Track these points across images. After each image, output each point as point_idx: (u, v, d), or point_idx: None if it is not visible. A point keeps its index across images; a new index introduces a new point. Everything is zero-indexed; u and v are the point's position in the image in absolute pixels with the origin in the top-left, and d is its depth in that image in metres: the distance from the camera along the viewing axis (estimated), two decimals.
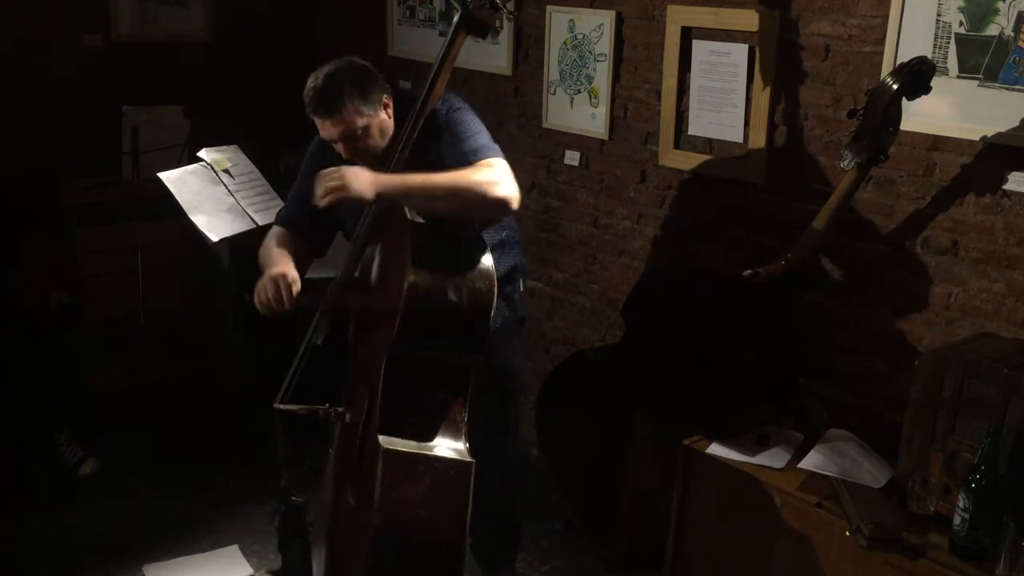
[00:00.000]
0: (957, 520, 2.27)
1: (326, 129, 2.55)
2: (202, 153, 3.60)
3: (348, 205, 2.45)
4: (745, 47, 3.06)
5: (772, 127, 3.04)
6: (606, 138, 3.58)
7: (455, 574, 2.34)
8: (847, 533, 2.40)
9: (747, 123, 3.10)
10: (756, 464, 2.68)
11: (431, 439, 2.32)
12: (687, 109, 3.29)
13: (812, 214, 2.80)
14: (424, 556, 2.28)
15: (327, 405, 2.57)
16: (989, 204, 2.60)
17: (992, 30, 2.51)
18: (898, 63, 2.60)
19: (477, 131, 2.61)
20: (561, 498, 3.49)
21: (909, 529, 2.32)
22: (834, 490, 2.54)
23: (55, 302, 4.03)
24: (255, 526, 3.52)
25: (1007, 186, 2.55)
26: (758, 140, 3.07)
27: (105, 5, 4.39)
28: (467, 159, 2.51)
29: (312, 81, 2.53)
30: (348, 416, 2.54)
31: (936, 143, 2.67)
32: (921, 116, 2.65)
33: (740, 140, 3.14)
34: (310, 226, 2.82)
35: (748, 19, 3.03)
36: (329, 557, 2.59)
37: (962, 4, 2.55)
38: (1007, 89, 2.50)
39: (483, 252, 2.40)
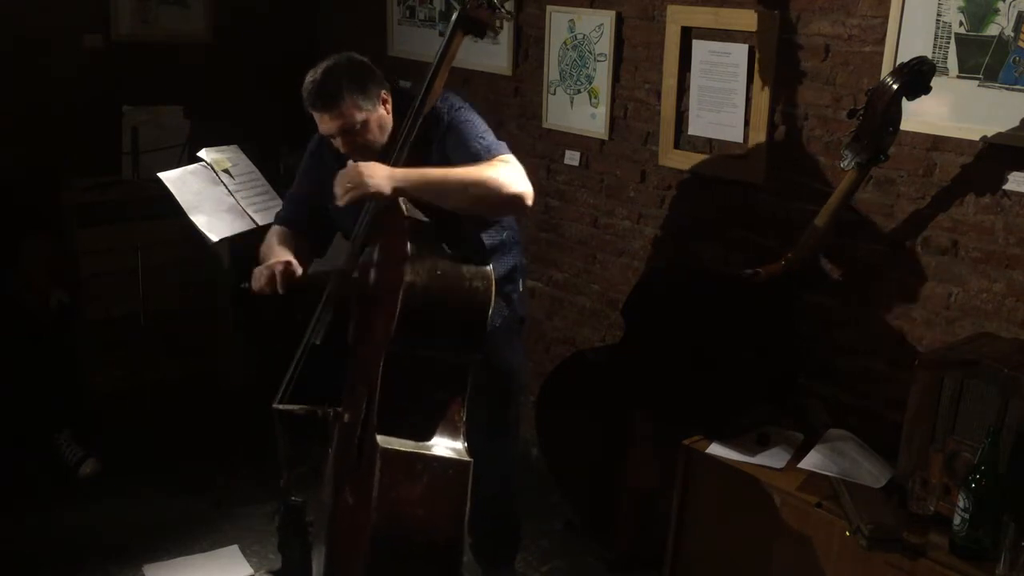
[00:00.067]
0: (957, 520, 2.27)
1: (324, 123, 2.55)
2: (202, 153, 3.60)
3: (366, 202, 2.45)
4: (745, 47, 3.06)
5: (772, 127, 3.04)
6: (606, 138, 3.58)
7: (453, 573, 2.33)
8: (847, 533, 2.40)
9: (747, 123, 3.10)
10: (756, 464, 2.68)
11: (429, 439, 2.32)
12: (687, 109, 3.29)
13: (812, 214, 2.80)
14: (422, 555, 2.28)
15: (326, 405, 2.57)
16: (989, 204, 2.60)
17: (992, 30, 2.51)
18: (898, 63, 2.60)
19: (485, 129, 2.62)
20: (561, 498, 3.49)
21: (909, 529, 2.32)
22: (834, 490, 2.54)
23: (55, 302, 4.03)
24: (255, 526, 3.52)
25: (1007, 186, 2.55)
26: (758, 140, 3.07)
27: (105, 5, 4.39)
28: (479, 157, 2.51)
29: (311, 76, 2.54)
30: (347, 416, 2.54)
31: (936, 143, 2.67)
32: (921, 116, 2.65)
33: (740, 140, 3.14)
34: (309, 226, 2.83)
35: (748, 19, 3.03)
36: (328, 557, 2.59)
37: (962, 4, 2.55)
38: (1007, 89, 2.50)
39: (481, 252, 2.40)
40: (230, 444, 3.84)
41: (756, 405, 2.93)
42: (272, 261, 2.60)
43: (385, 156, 2.53)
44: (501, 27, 3.73)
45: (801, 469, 2.65)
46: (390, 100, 2.62)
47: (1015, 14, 2.47)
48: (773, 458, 2.70)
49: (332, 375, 2.62)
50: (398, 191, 2.39)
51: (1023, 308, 2.56)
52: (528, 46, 3.82)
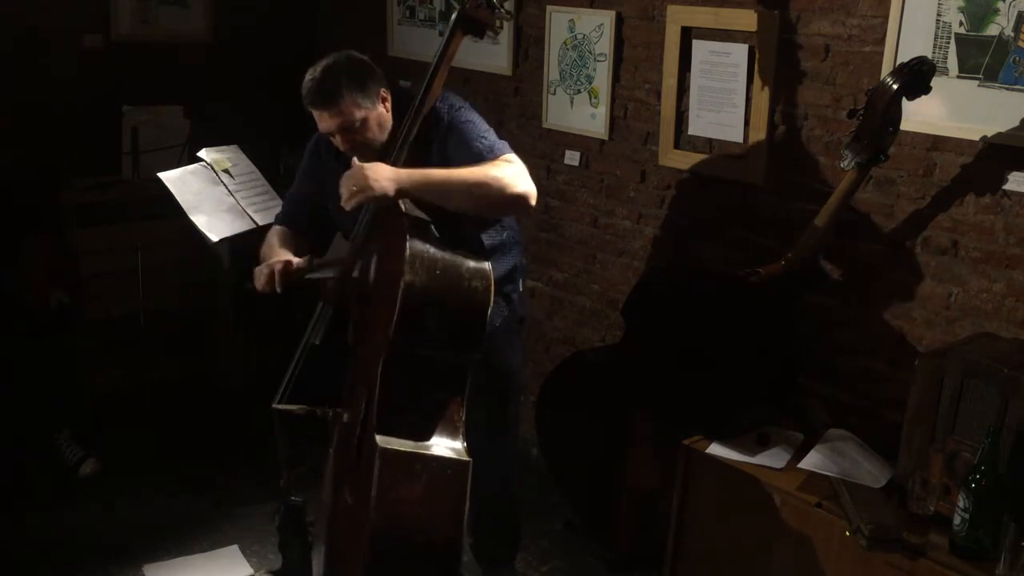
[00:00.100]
0: (957, 520, 2.26)
1: (324, 121, 2.55)
2: (202, 153, 3.60)
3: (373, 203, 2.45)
4: (745, 47, 3.06)
5: (772, 127, 3.04)
6: (606, 138, 3.58)
7: (452, 573, 2.34)
8: (847, 533, 2.39)
9: (747, 123, 3.10)
10: (756, 464, 2.68)
11: (428, 438, 2.32)
12: (687, 109, 3.29)
13: (812, 214, 2.80)
14: (421, 555, 2.28)
15: (326, 405, 2.57)
16: (989, 204, 2.60)
17: (992, 30, 2.51)
18: (898, 63, 2.59)
19: (486, 129, 2.62)
20: (561, 498, 3.49)
21: (909, 529, 2.32)
22: (834, 490, 2.54)
23: (55, 302, 4.03)
24: (255, 526, 3.52)
25: (1007, 186, 2.55)
26: (758, 140, 3.07)
27: (105, 5, 4.39)
28: (482, 157, 2.51)
29: (310, 74, 2.54)
30: (346, 416, 2.54)
31: (936, 143, 2.67)
32: (921, 116, 2.65)
33: (740, 140, 3.14)
34: (308, 225, 2.83)
35: (748, 19, 3.03)
36: (328, 556, 2.59)
37: (962, 4, 2.55)
38: (1007, 89, 2.50)
39: (480, 251, 2.40)
40: (230, 444, 3.84)
41: (756, 405, 2.93)
42: (272, 260, 2.61)
43: (385, 154, 2.53)
44: (501, 27, 3.70)
45: (801, 469, 2.65)
46: (389, 98, 2.62)
47: (1015, 14, 2.47)
48: (773, 458, 2.70)
49: (332, 375, 2.62)
50: (402, 192, 2.39)
51: (1023, 308, 2.56)
52: (528, 46, 3.82)
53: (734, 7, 3.07)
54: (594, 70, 3.56)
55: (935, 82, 2.54)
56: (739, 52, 3.08)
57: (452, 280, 2.32)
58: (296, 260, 2.60)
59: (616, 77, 3.50)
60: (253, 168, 3.70)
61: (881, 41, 2.73)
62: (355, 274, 2.61)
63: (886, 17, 2.71)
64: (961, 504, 2.25)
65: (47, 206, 4.03)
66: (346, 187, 2.39)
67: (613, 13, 3.45)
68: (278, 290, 2.56)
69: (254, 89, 4.62)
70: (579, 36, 3.59)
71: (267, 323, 3.60)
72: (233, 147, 3.71)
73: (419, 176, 2.41)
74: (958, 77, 2.59)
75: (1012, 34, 2.48)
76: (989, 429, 2.24)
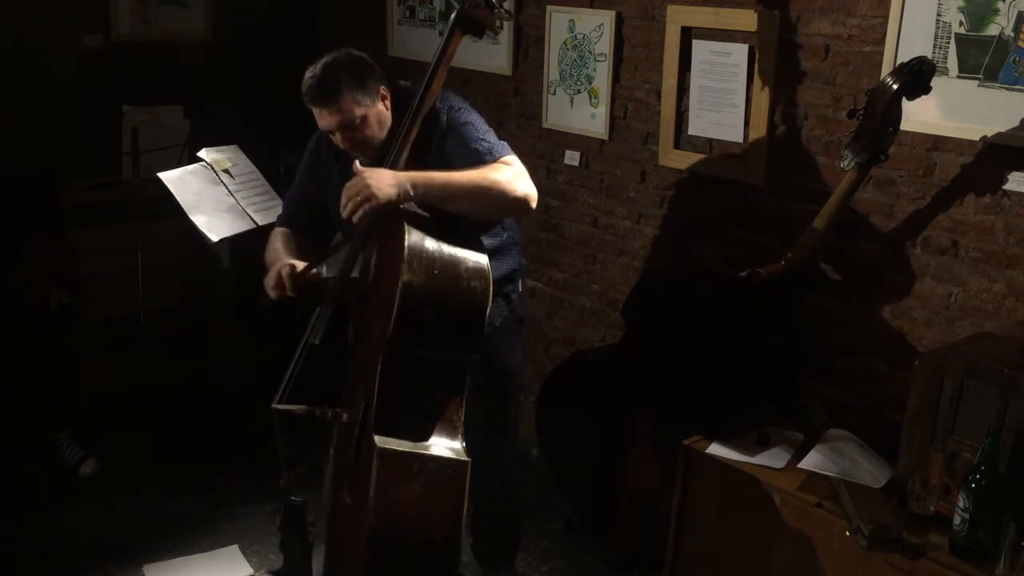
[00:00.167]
0: (957, 520, 2.26)
1: (324, 119, 2.55)
2: (202, 153, 3.60)
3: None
4: (745, 47, 3.06)
5: (772, 127, 3.04)
6: (606, 138, 3.58)
7: (451, 573, 2.33)
8: (847, 533, 2.39)
9: (747, 123, 3.10)
10: (756, 464, 2.68)
11: (427, 438, 2.32)
12: (687, 109, 3.29)
13: (812, 214, 2.80)
14: (420, 555, 2.28)
15: (325, 405, 2.57)
16: (989, 204, 2.60)
17: (992, 30, 2.51)
18: (898, 63, 2.59)
19: (486, 130, 2.62)
20: (561, 498, 3.49)
21: (909, 529, 2.31)
22: (834, 490, 2.54)
23: (55, 302, 4.03)
24: (255, 526, 3.52)
25: (1007, 186, 2.55)
26: (758, 140, 3.07)
27: (105, 5, 4.39)
28: (482, 159, 2.51)
29: (310, 72, 2.54)
30: (346, 416, 2.53)
31: (936, 143, 2.67)
32: (921, 116, 2.65)
33: (740, 140, 3.14)
34: (309, 225, 2.83)
35: (748, 19, 3.03)
36: (328, 556, 2.59)
37: (962, 4, 2.55)
38: (1007, 89, 2.50)
39: (479, 251, 2.39)
40: (230, 444, 3.85)
41: (756, 405, 2.93)
42: (277, 265, 2.61)
43: (384, 153, 2.53)
44: (501, 27, 3.70)
45: (801, 469, 2.64)
46: (389, 96, 2.62)
47: (1015, 14, 2.47)
48: (773, 458, 2.70)
49: (331, 375, 2.62)
50: (405, 197, 2.38)
51: (1023, 308, 2.56)
52: (528, 46, 3.82)
53: (734, 7, 3.07)
54: (594, 70, 3.56)
55: (935, 82, 2.54)
56: (739, 52, 3.08)
57: (450, 279, 2.32)
58: (300, 264, 2.60)
59: (616, 77, 3.50)
60: (253, 168, 3.70)
61: (881, 41, 2.73)
62: (355, 274, 2.61)
63: (886, 17, 2.71)
64: (961, 504, 2.25)
65: (47, 206, 4.03)
66: (348, 196, 2.37)
67: (613, 13, 3.45)
68: (290, 294, 2.55)
69: (254, 89, 4.62)
70: (579, 36, 3.59)
71: (267, 323, 3.59)
72: (233, 147, 3.71)
73: (420, 180, 2.40)
74: (958, 77, 2.59)
75: (1012, 34, 2.47)
76: (989, 429, 2.24)
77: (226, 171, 3.57)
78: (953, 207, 2.67)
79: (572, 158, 3.72)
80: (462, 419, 2.38)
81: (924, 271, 2.75)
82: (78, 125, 4.23)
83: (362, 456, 2.32)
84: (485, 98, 3.95)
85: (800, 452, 2.73)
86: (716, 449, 2.75)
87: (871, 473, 2.57)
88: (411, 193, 2.38)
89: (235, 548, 3.41)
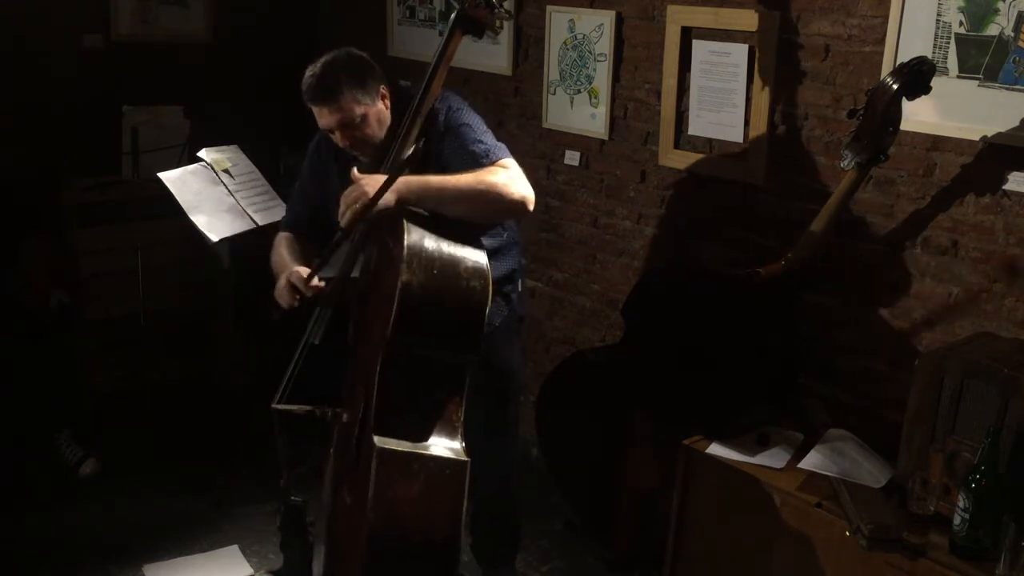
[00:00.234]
0: (957, 520, 2.26)
1: (324, 118, 2.56)
2: (202, 153, 3.60)
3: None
4: (745, 47, 3.06)
5: (772, 127, 3.04)
6: (606, 138, 3.58)
7: (451, 572, 2.33)
8: (847, 533, 2.39)
9: (747, 123, 3.10)
10: (756, 464, 2.68)
11: (426, 438, 2.32)
12: (687, 109, 3.29)
13: (812, 214, 2.80)
14: (419, 555, 2.27)
15: (325, 405, 2.57)
16: (989, 204, 2.60)
17: (992, 30, 2.51)
18: (898, 63, 2.59)
19: (484, 132, 2.61)
20: (561, 498, 3.49)
21: (909, 529, 2.32)
22: (834, 490, 2.54)
23: (55, 302, 4.03)
24: (255, 526, 3.52)
25: (1007, 186, 2.54)
26: (758, 140, 3.07)
27: (105, 5, 4.39)
28: (478, 161, 2.51)
29: (310, 71, 2.54)
30: (346, 416, 2.54)
31: (936, 143, 2.67)
32: (921, 116, 2.65)
33: (740, 140, 3.14)
34: (310, 226, 2.83)
35: (748, 19, 3.03)
36: (328, 556, 2.59)
37: (962, 4, 2.55)
38: (1007, 89, 2.50)
39: (479, 251, 2.39)
40: (230, 444, 3.85)
41: (756, 405, 2.93)
42: (284, 275, 2.60)
43: (383, 152, 2.53)
44: (501, 27, 3.70)
45: (801, 469, 2.64)
46: (388, 96, 2.62)
47: (1015, 14, 2.46)
48: (773, 458, 2.70)
49: (331, 375, 2.62)
50: (402, 201, 2.39)
51: (1023, 308, 2.56)
52: (528, 46, 3.82)
53: (734, 7, 3.07)
54: (594, 70, 3.56)
55: (935, 82, 2.54)
56: (739, 52, 3.08)
57: (450, 279, 2.32)
58: (305, 269, 2.59)
59: (616, 77, 3.50)
60: (253, 168, 3.70)
61: (881, 41, 2.73)
62: (355, 274, 2.61)
63: (886, 17, 2.71)
64: (961, 504, 2.25)
65: (47, 206, 4.03)
66: (347, 205, 2.38)
67: (613, 13, 3.45)
68: (307, 296, 2.55)
69: (254, 89, 4.63)
70: (579, 36, 3.59)
71: (267, 323, 3.59)
72: (233, 147, 3.71)
73: (417, 184, 2.41)
74: (958, 77, 2.59)
75: (1012, 34, 2.47)
76: (989, 429, 2.24)
77: (226, 171, 3.57)
78: (953, 207, 2.67)
79: (572, 158, 3.72)
80: (462, 419, 2.38)
81: (924, 271, 2.75)
82: (78, 125, 4.23)
83: (362, 456, 2.32)
84: (485, 98, 3.95)
85: (800, 452, 2.73)
86: (716, 449, 2.75)
87: (871, 473, 2.57)
88: (408, 197, 2.38)
89: (235, 548, 3.41)
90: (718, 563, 2.76)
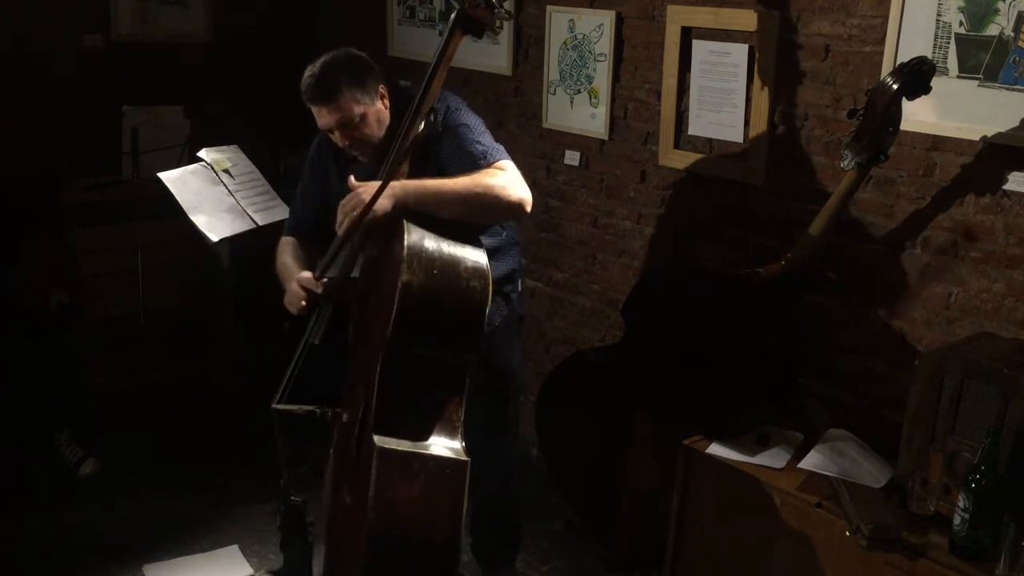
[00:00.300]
0: (957, 520, 2.26)
1: (323, 117, 2.56)
2: (202, 153, 3.60)
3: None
4: (745, 47, 3.06)
5: (772, 127, 3.04)
6: (606, 138, 3.58)
7: (451, 572, 2.33)
8: (847, 533, 2.39)
9: (747, 123, 3.10)
10: (756, 464, 2.68)
11: (426, 438, 2.32)
12: (687, 109, 3.29)
13: (812, 214, 2.80)
14: (419, 555, 2.28)
15: (325, 405, 2.57)
16: (989, 204, 2.60)
17: (992, 30, 2.51)
18: (898, 63, 2.59)
19: (482, 133, 2.61)
20: (561, 498, 3.49)
21: (909, 529, 2.32)
22: (834, 490, 2.54)
23: (55, 302, 4.03)
24: (255, 526, 3.52)
25: (1007, 186, 2.54)
26: (758, 140, 3.07)
27: (105, 5, 4.39)
28: (476, 163, 2.51)
29: (309, 70, 2.54)
30: (346, 416, 2.54)
31: (936, 143, 2.67)
32: (921, 116, 2.65)
33: (740, 140, 3.14)
34: (315, 228, 2.83)
35: (748, 19, 3.03)
36: (328, 556, 2.59)
37: (962, 4, 2.55)
38: (1007, 89, 2.50)
39: (479, 251, 2.39)
40: (230, 444, 3.84)
41: (756, 405, 2.93)
42: (291, 281, 2.61)
43: (383, 152, 2.53)
44: (501, 27, 3.72)
45: (801, 469, 2.65)
46: (388, 96, 2.62)
47: (1015, 14, 2.46)
48: (773, 458, 2.70)
49: (331, 375, 2.62)
50: (400, 206, 2.39)
51: (1023, 308, 2.56)
52: (528, 46, 3.82)
53: (734, 7, 3.07)
54: (594, 70, 3.56)
55: (935, 82, 2.54)
56: (739, 52, 3.08)
57: (450, 279, 2.32)
58: (308, 273, 2.60)
59: (616, 77, 3.50)
60: (253, 168, 3.70)
61: (881, 41, 2.73)
62: (355, 273, 2.62)
63: (886, 17, 2.71)
64: (961, 504, 2.25)
65: (47, 206, 4.03)
66: (345, 213, 2.39)
67: (613, 13, 3.45)
68: (317, 292, 2.55)
69: (254, 89, 4.63)
70: (579, 36, 3.59)
71: (267, 323, 3.59)
72: (233, 147, 3.71)
73: (414, 188, 2.41)
74: (958, 77, 2.59)
75: (1012, 34, 2.47)
76: (989, 429, 2.24)
77: (226, 171, 3.57)
78: (953, 207, 2.67)
79: (572, 158, 3.72)
80: (462, 419, 2.38)
81: (924, 271, 2.75)
82: (78, 125, 4.23)
83: (362, 456, 2.32)
84: (485, 98, 3.95)
85: (800, 452, 2.73)
86: (716, 449, 2.75)
87: (871, 473, 2.57)
88: (406, 201, 2.39)
89: (235, 548, 3.41)
90: (718, 563, 2.76)
